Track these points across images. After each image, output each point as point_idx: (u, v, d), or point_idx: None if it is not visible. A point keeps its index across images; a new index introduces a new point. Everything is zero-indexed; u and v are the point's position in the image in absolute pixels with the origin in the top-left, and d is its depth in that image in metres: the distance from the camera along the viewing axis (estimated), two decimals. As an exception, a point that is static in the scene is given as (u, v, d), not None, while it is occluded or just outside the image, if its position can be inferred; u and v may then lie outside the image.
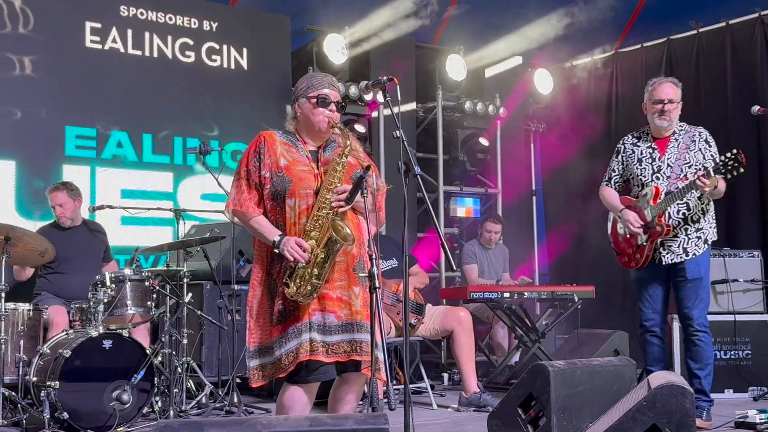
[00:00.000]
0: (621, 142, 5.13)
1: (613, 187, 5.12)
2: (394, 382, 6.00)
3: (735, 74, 7.47)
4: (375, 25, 7.64)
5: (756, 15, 7.32)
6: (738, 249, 6.52)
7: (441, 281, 7.94)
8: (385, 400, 3.04)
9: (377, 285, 3.06)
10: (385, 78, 3.30)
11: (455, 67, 8.20)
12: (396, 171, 3.30)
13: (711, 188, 4.60)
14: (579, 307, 6.54)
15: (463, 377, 5.75)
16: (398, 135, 3.13)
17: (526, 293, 6.50)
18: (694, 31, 7.80)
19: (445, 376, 7.06)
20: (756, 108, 4.95)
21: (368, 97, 7.44)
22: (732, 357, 6.11)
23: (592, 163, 8.28)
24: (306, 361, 3.34)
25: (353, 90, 7.32)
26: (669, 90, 4.91)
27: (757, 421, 4.64)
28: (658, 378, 3.71)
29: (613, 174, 5.13)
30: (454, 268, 3.29)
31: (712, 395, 4.99)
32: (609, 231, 5.20)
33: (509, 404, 4.53)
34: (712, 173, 4.57)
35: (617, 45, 8.81)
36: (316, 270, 3.33)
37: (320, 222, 3.36)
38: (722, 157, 4.64)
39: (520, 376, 4.67)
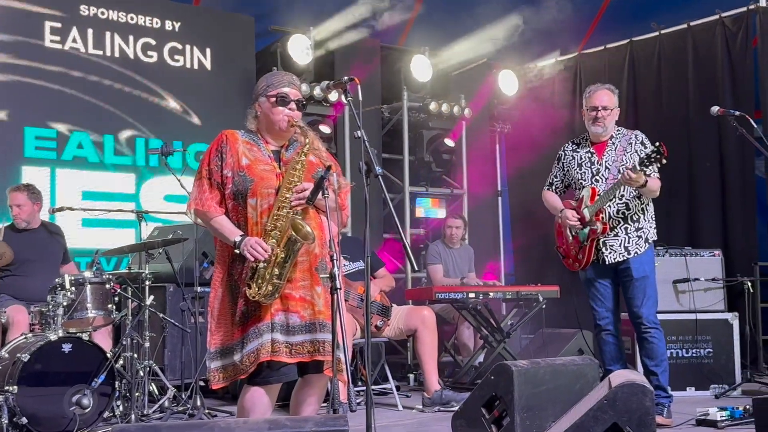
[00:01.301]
0: (562, 149, 5.27)
1: (554, 191, 5.25)
2: (359, 383, 5.99)
3: (696, 75, 7.56)
4: (339, 26, 7.62)
5: (716, 17, 7.42)
6: (699, 248, 6.59)
7: (407, 282, 7.94)
8: (347, 401, 3.03)
9: (338, 286, 3.04)
10: (346, 78, 3.29)
11: (420, 67, 8.21)
12: (360, 172, 3.29)
13: (638, 182, 4.71)
14: (544, 306, 6.57)
15: (425, 376, 5.75)
16: (359, 135, 3.12)
17: (491, 293, 6.51)
18: (656, 33, 7.89)
19: (411, 377, 7.05)
20: (716, 109, 5.01)
21: (333, 97, 7.41)
22: (693, 355, 6.17)
23: (556, 164, 8.35)
24: (267, 361, 3.32)
25: (318, 91, 7.28)
26: (604, 97, 5.03)
27: (718, 418, 4.68)
28: (619, 377, 3.73)
29: (555, 179, 5.26)
30: (415, 268, 3.29)
31: (674, 393, 5.05)
32: (554, 235, 5.27)
33: (473, 404, 4.54)
34: (638, 167, 4.68)
35: (581, 46, 8.88)
36: (276, 270, 3.31)
37: (281, 221, 3.34)
38: (647, 151, 4.75)
39: (485, 375, 4.68)
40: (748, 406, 4.74)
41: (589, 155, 5.07)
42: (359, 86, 3.30)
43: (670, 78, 7.77)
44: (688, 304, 6.29)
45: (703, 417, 4.79)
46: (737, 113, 4.95)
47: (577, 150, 5.15)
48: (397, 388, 6.11)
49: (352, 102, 3.28)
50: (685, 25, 7.68)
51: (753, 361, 6.68)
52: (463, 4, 8.09)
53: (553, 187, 5.26)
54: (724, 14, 7.38)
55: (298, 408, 3.55)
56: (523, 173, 8.96)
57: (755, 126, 5.13)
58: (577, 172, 5.09)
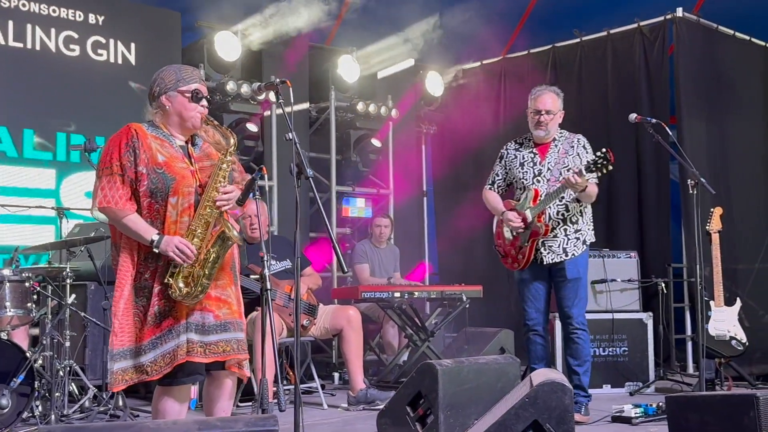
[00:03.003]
0: (504, 147, 5.33)
1: (496, 190, 5.32)
2: (285, 382, 6.00)
3: (615, 81, 7.78)
4: (267, 23, 7.58)
5: (635, 26, 7.65)
6: (616, 250, 6.80)
7: (333, 281, 7.97)
8: (275, 401, 3.05)
9: (268, 287, 3.06)
10: (278, 79, 3.30)
11: (348, 68, 8.24)
12: (288, 171, 3.30)
13: (581, 186, 4.80)
14: (467, 306, 6.69)
15: (350, 375, 5.80)
16: (291, 137, 3.13)
17: (416, 293, 6.60)
18: (578, 40, 8.08)
19: (336, 375, 7.09)
20: (633, 116, 5.18)
21: (260, 96, 7.37)
22: (610, 354, 6.37)
23: (481, 165, 8.47)
24: (183, 362, 3.29)
25: (245, 88, 7.24)
26: (548, 101, 5.10)
27: (633, 415, 4.86)
28: (540, 375, 3.84)
29: (497, 178, 5.33)
30: (345, 270, 3.31)
31: (591, 390, 5.21)
32: (494, 233, 5.36)
33: (398, 403, 4.60)
34: (584, 172, 4.78)
35: (505, 50, 9.04)
36: (206, 270, 3.29)
37: (204, 220, 3.32)
38: (593, 156, 4.86)
39: (409, 374, 4.74)
40: (661, 403, 4.93)
41: (532, 155, 5.14)
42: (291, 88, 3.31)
43: (590, 83, 7.98)
44: (606, 304, 6.49)
45: (618, 414, 4.96)
46: (654, 121, 5.13)
47: (520, 149, 5.21)
48: (322, 387, 6.13)
49: (284, 104, 3.29)
50: (605, 33, 7.90)
51: (666, 359, 6.92)
52: (388, 7, 8.16)
53: (495, 186, 5.31)
54: (642, 23, 7.62)
55: (212, 404, 3.52)
56: (448, 174, 9.09)
57: (670, 132, 5.33)
58: (519, 171, 5.15)
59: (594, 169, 4.79)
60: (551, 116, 5.08)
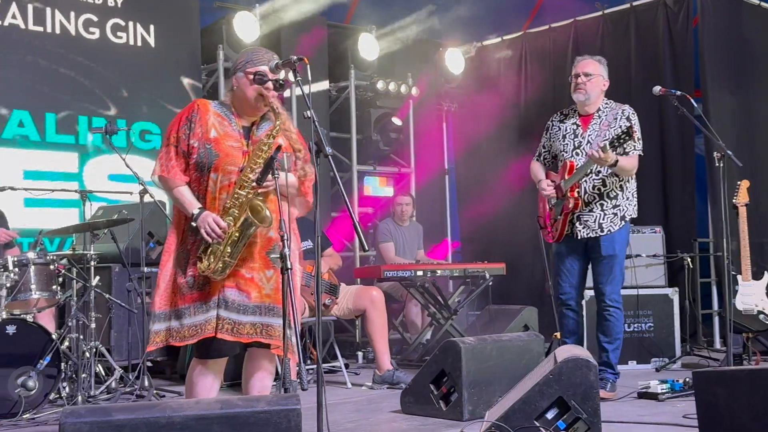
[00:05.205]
0: (550, 119, 5.28)
1: (542, 162, 5.29)
2: (308, 362, 6.01)
3: (638, 55, 7.67)
4: (285, 2, 7.55)
5: (659, -3, 7.54)
6: (641, 225, 6.73)
7: (355, 260, 7.97)
8: (298, 380, 3.04)
9: (289, 266, 3.05)
10: (295, 57, 3.29)
11: (367, 46, 8.19)
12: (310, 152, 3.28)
13: (607, 161, 4.74)
14: (490, 284, 6.66)
15: (376, 355, 5.80)
16: (309, 115, 3.11)
17: (438, 271, 6.58)
18: (600, 13, 7.97)
19: (360, 354, 7.11)
20: (657, 89, 5.10)
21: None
22: (635, 330, 6.32)
23: (502, 142, 8.41)
24: (211, 337, 3.35)
25: (264, 69, 7.22)
26: (587, 64, 5.06)
27: (659, 391, 4.82)
28: (564, 352, 3.81)
29: (542, 150, 5.30)
30: (366, 249, 3.28)
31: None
32: (538, 205, 5.32)
33: (421, 381, 4.61)
34: (608, 147, 4.72)
35: (526, 25, 8.95)
36: (229, 249, 3.32)
37: (240, 200, 3.35)
38: (618, 132, 4.81)
39: (433, 352, 4.74)
40: (687, 379, 4.88)
41: (574, 127, 5.09)
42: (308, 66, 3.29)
43: (613, 57, 7.78)
44: (631, 279, 6.42)
45: (644, 390, 4.93)
46: (678, 93, 5.05)
47: (564, 121, 5.16)
48: (346, 366, 6.14)
49: (302, 82, 3.27)
50: (628, 5, 7.78)
51: (692, 334, 6.88)
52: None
53: (541, 158, 5.29)
54: (665, -5, 7.51)
55: (249, 380, 3.58)
56: (470, 152, 9.03)
57: (695, 105, 5.25)
58: (561, 144, 5.10)
59: (617, 144, 4.74)
60: (588, 78, 5.00)
